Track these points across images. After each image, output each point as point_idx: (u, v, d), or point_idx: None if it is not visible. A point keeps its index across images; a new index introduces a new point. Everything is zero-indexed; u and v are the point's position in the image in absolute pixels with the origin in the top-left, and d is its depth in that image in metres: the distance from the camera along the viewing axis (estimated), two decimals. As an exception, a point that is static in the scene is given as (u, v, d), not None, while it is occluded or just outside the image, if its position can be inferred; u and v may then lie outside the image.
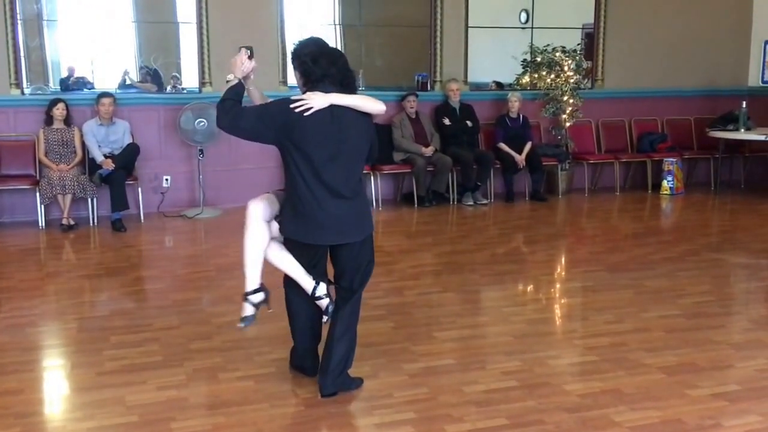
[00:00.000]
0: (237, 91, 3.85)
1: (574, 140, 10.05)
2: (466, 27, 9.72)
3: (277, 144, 3.74)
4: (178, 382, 4.08)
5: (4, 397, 3.92)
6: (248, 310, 3.94)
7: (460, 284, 6.02)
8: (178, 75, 9.53)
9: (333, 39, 11.35)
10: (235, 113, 3.76)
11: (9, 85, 8.24)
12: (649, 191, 10.11)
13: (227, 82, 3.88)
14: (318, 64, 3.77)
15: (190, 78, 9.63)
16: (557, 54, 9.91)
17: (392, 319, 5.11)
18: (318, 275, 3.95)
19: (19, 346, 4.67)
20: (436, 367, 4.34)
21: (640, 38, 10.44)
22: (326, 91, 3.72)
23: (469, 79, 9.85)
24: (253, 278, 3.91)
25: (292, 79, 9.41)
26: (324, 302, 3.94)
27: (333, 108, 3.71)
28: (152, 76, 9.64)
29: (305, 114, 3.65)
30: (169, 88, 9.31)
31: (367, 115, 3.86)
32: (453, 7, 9.61)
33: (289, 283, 4.01)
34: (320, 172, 3.72)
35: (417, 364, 4.35)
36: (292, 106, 3.66)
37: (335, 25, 11.21)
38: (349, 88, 3.84)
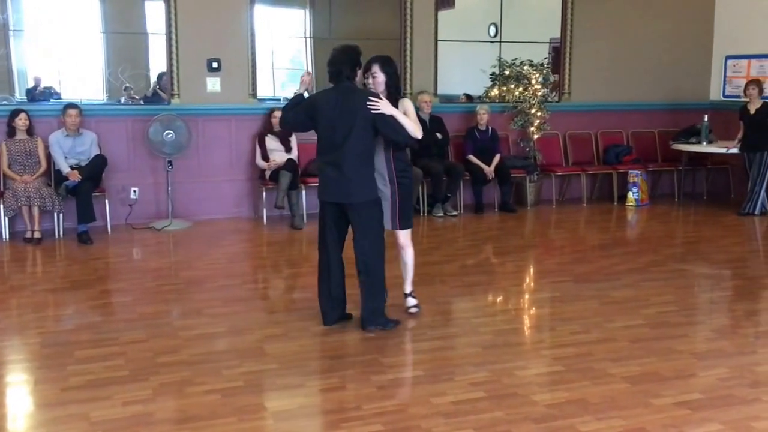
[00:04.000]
0: (296, 100, 5.11)
1: (542, 152, 10.16)
2: (436, 40, 9.79)
3: (314, 127, 5.03)
4: (145, 397, 4.04)
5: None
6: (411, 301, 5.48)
7: (430, 295, 6.03)
8: (131, 86, 9.44)
9: (303, 51, 11.39)
10: (288, 109, 5.13)
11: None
12: (615, 203, 10.24)
13: (296, 94, 5.13)
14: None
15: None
16: (525, 67, 10.03)
17: (360, 330, 5.10)
18: (339, 229, 5.13)
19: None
20: (405, 378, 4.36)
21: (605, 53, 10.59)
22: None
23: (439, 92, 9.91)
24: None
25: (262, 91, 9.50)
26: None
27: (340, 98, 4.87)
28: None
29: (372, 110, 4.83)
30: (123, 99, 9.23)
31: (366, 110, 4.82)
32: (422, 20, 9.68)
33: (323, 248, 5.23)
34: (324, 145, 4.98)
35: (386, 375, 4.35)
36: (368, 103, 4.83)
37: (305, 37, 11.24)
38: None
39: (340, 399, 4.05)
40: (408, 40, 9.66)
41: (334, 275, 5.14)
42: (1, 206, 7.74)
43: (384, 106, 4.85)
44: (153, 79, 10.01)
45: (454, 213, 9.27)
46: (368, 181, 4.96)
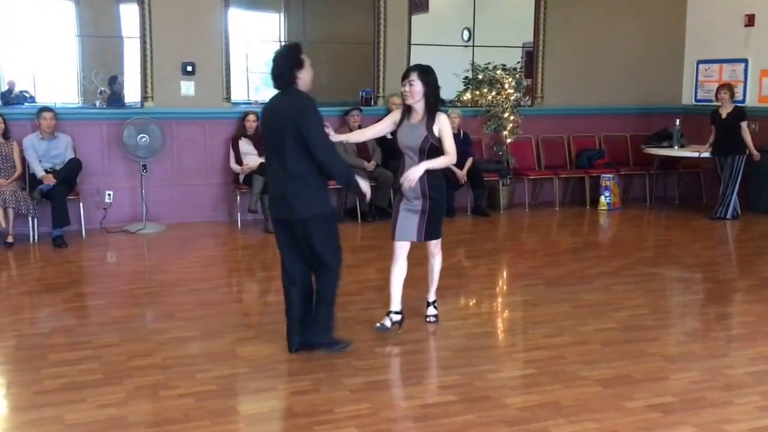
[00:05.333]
0: None
1: (515, 156, 10.25)
2: (409, 44, 9.86)
3: None
4: (119, 400, 4.06)
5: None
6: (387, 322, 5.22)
7: (402, 299, 6.06)
8: (105, 90, 9.43)
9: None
10: None
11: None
12: (588, 206, 10.35)
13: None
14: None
15: (132, 93, 9.56)
16: (498, 72, 10.12)
17: (335, 333, 5.13)
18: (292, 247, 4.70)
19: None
20: (377, 381, 4.40)
21: (578, 57, 10.71)
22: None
23: (412, 96, 9.95)
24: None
25: (236, 95, 9.51)
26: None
27: (273, 108, 4.58)
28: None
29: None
30: (98, 102, 9.21)
31: (299, 118, 4.43)
32: (396, 24, 9.75)
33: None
34: (268, 156, 4.75)
35: (358, 378, 4.39)
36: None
37: (280, 41, 11.25)
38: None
39: (312, 402, 4.08)
40: (381, 44, 9.73)
41: (294, 297, 4.76)
42: (-25, 209, 7.68)
43: (413, 174, 4.89)
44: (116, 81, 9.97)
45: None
46: (313, 195, 4.54)
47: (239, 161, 8.80)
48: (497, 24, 10.97)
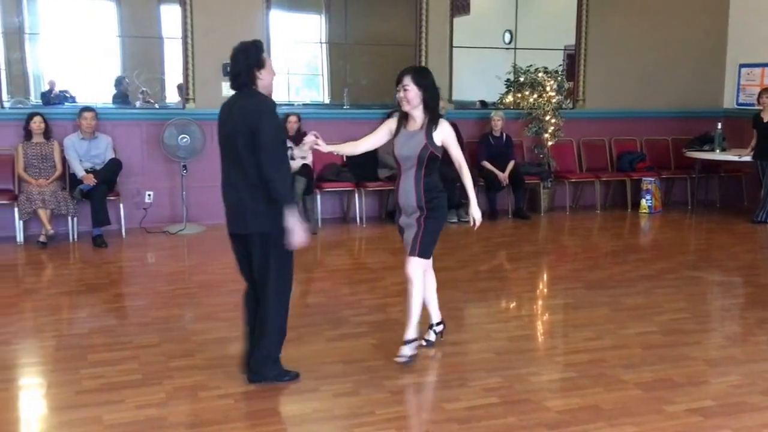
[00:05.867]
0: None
1: (556, 159, 10.13)
2: (451, 46, 9.80)
3: None
4: (158, 401, 4.06)
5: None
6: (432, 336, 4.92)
7: (443, 301, 5.93)
8: (147, 90, 9.50)
9: (319, 57, 11.41)
10: None
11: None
12: (629, 209, 10.20)
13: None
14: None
15: (173, 94, 9.63)
16: (540, 74, 10.01)
17: (375, 336, 5.11)
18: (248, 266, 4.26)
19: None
20: (418, 384, 4.35)
21: (620, 60, 10.56)
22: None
23: (454, 98, 9.92)
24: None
25: (276, 96, 9.48)
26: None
27: (229, 110, 4.14)
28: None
29: None
30: (138, 103, 9.27)
31: (253, 120, 3.98)
32: (438, 26, 9.69)
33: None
34: (222, 164, 4.26)
35: (399, 381, 4.35)
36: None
37: (321, 43, 11.26)
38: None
39: (353, 404, 4.05)
40: (423, 46, 9.67)
41: (248, 319, 4.40)
42: (16, 209, 7.78)
43: (475, 214, 4.81)
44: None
45: (468, 219, 9.19)
46: (265, 209, 4.05)
47: (279, 162, 8.79)
48: (539, 26, 10.88)
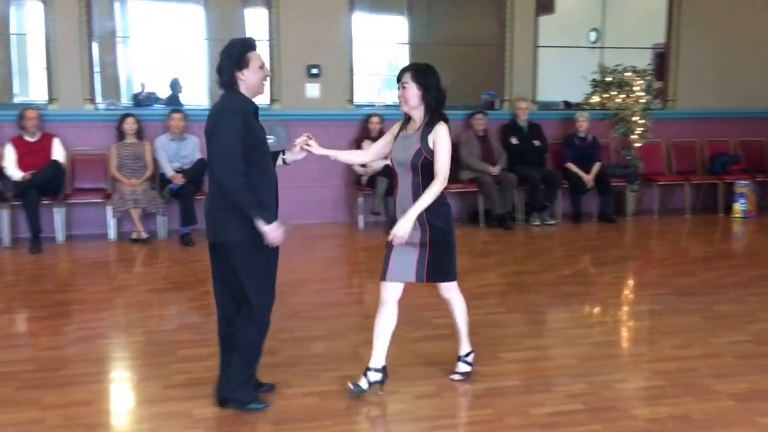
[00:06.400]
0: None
1: (644, 161, 9.87)
2: (535, 46, 9.68)
3: None
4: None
5: (73, 407, 4.01)
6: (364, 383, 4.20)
7: (526, 305, 5.96)
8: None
9: (401, 58, 11.43)
10: None
11: (83, 101, 8.41)
12: (720, 214, 9.86)
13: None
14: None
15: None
16: (627, 74, 9.77)
17: (456, 338, 5.06)
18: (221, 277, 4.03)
19: (88, 358, 4.77)
20: (501, 388, 4.30)
21: (713, 57, 10.23)
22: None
23: (538, 98, 9.79)
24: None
25: (359, 97, 9.59)
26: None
27: (212, 109, 3.93)
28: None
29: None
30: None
31: (214, 121, 3.81)
32: (522, 26, 9.58)
33: None
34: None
35: (481, 384, 4.31)
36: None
37: (404, 43, 11.28)
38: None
39: (435, 406, 4.04)
40: (507, 46, 9.58)
41: (221, 333, 4.13)
42: (110, 208, 8.04)
43: (402, 228, 4.00)
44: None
45: (552, 222, 9.13)
46: (241, 216, 3.80)
47: (362, 163, 8.85)
48: (625, 25, 10.65)
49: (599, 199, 9.49)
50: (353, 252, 8.19)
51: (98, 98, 8.76)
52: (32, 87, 10.21)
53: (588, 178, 9.25)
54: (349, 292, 6.71)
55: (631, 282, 7.04)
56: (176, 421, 3.85)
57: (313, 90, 9.08)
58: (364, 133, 8.99)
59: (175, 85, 10.03)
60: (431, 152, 4.02)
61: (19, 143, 7.98)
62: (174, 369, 4.53)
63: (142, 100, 9.76)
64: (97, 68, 8.91)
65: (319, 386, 4.28)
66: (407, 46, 11.42)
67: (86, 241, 8.12)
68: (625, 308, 6.20)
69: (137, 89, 10.31)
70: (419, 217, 4.04)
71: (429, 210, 4.03)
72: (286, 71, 8.97)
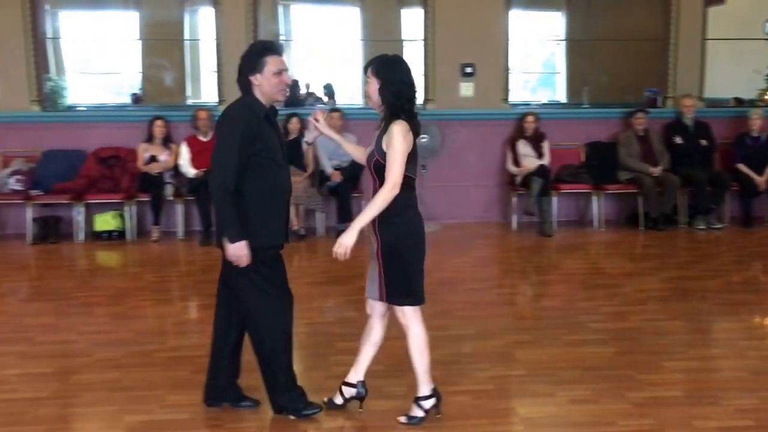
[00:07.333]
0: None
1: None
2: (703, 39, 9.20)
3: None
4: (401, 392, 4.16)
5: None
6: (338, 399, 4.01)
7: (689, 312, 5.69)
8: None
9: (556, 55, 11.22)
10: None
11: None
12: None
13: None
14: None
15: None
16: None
17: (615, 344, 4.93)
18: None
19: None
20: (663, 398, 4.13)
21: None
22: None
23: (705, 95, 9.31)
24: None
25: (513, 96, 9.49)
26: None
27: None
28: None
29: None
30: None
31: (217, 131, 3.79)
32: (689, 18, 9.13)
33: None
34: None
35: (642, 393, 4.16)
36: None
37: (560, 40, 11.06)
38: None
39: (592, 412, 3.93)
40: (672, 40, 9.16)
41: (214, 340, 4.04)
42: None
43: (344, 241, 3.67)
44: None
45: (719, 225, 8.65)
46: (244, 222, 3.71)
47: (516, 163, 8.75)
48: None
49: (773, 202, 8.90)
50: (506, 252, 8.10)
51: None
52: (204, 89, 10.78)
53: (761, 180, 8.69)
54: (501, 293, 6.64)
55: (807, 291, 6.58)
56: (338, 413, 3.95)
57: (467, 89, 9.06)
58: (518, 133, 8.88)
59: (294, 88, 10.28)
60: (384, 154, 3.63)
61: (192, 142, 8.46)
62: (333, 361, 4.65)
63: (303, 100, 10.07)
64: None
65: (472, 385, 4.28)
66: (563, 43, 11.19)
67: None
68: (801, 319, 5.81)
69: (303, 90, 10.62)
70: (371, 228, 3.70)
71: (380, 220, 3.66)
72: (440, 71, 9.00)
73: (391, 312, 3.90)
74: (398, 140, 3.57)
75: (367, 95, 3.77)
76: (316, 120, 4.00)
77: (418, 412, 3.85)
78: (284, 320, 3.93)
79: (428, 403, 3.84)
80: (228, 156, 3.62)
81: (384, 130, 3.64)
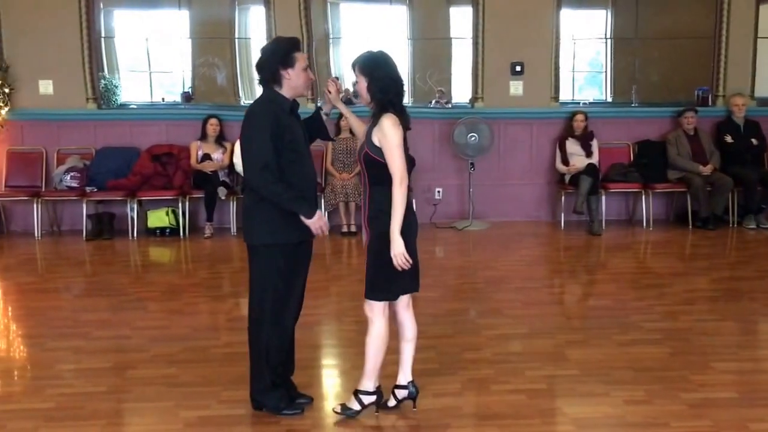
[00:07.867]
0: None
1: None
2: (755, 37, 9.09)
3: None
4: (454, 390, 4.23)
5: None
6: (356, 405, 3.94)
7: (740, 313, 5.66)
8: (443, 90, 9.82)
9: (603, 53, 11.13)
10: None
11: (306, 100, 8.81)
12: None
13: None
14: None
15: (461, 93, 9.91)
16: None
17: (668, 344, 4.93)
18: None
19: (307, 344, 5.00)
20: (717, 399, 4.13)
21: None
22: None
23: (757, 94, 9.20)
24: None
25: (562, 94, 9.46)
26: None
27: (245, 115, 3.82)
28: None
29: None
30: (433, 102, 9.62)
31: (246, 128, 3.79)
32: (741, 15, 9.04)
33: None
34: None
35: (696, 394, 4.17)
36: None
37: (606, 38, 10.98)
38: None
39: (646, 413, 3.95)
40: (723, 38, 9.08)
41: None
42: (322, 200, 8.48)
43: (396, 249, 3.70)
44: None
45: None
46: (265, 220, 3.81)
47: (565, 161, 8.75)
48: None
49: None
50: (555, 251, 8.11)
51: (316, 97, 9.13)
52: (256, 89, 10.88)
53: (807, 179, 8.59)
54: (551, 291, 6.67)
55: None
56: (396, 411, 3.99)
57: (516, 87, 9.08)
58: (568, 131, 8.87)
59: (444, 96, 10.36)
60: (375, 148, 3.68)
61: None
62: (387, 360, 4.68)
63: (350, 99, 10.15)
64: (315, 69, 9.35)
65: (524, 384, 4.32)
66: (610, 41, 11.10)
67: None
68: None
69: (351, 89, 10.70)
70: (363, 223, 3.85)
71: (370, 215, 3.78)
72: (489, 69, 9.03)
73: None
74: (391, 133, 3.63)
75: (358, 94, 3.86)
76: (329, 91, 4.06)
77: (355, 405, 3.88)
78: (286, 318, 3.98)
79: (368, 399, 3.89)
80: (264, 149, 3.68)
81: (374, 124, 3.70)
